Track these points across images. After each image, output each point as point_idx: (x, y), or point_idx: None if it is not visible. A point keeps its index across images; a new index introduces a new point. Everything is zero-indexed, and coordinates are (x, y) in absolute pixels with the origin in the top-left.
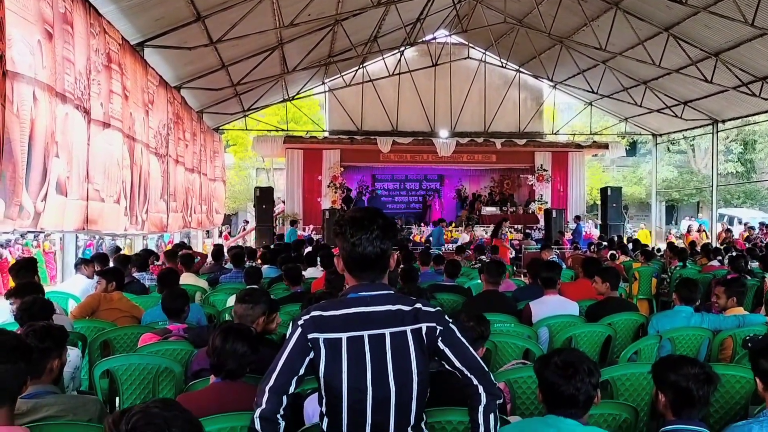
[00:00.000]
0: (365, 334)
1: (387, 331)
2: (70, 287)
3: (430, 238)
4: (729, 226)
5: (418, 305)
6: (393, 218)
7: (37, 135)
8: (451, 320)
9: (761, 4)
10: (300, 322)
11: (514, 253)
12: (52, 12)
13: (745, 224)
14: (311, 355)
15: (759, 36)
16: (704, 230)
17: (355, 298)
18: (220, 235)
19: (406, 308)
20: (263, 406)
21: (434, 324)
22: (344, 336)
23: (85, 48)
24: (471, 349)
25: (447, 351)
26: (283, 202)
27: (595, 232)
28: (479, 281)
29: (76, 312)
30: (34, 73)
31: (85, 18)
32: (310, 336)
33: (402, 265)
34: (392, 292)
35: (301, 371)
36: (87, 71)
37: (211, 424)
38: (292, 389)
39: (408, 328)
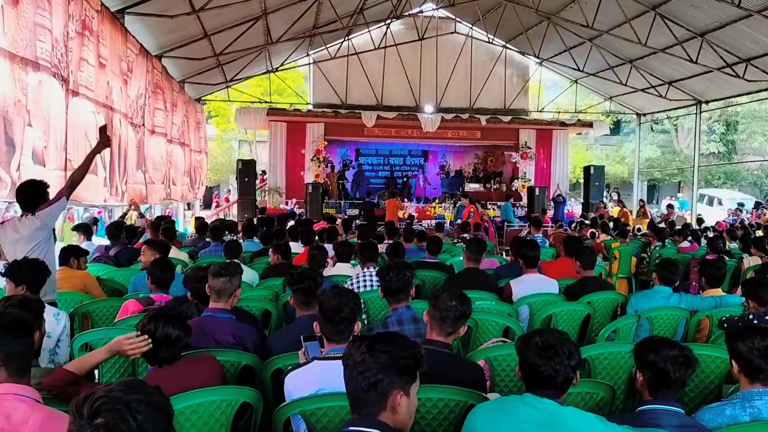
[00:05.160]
0: None
1: None
2: None
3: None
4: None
5: None
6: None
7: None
8: None
9: None
10: None
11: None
12: None
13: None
14: None
15: (745, 17)
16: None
17: None
18: (208, 207)
19: None
20: None
21: None
22: None
23: (63, 15)
24: None
25: None
26: (264, 173)
27: (578, 210)
28: (461, 258)
29: None
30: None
31: None
32: None
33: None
34: None
35: None
36: (65, 38)
37: None
38: None
39: None
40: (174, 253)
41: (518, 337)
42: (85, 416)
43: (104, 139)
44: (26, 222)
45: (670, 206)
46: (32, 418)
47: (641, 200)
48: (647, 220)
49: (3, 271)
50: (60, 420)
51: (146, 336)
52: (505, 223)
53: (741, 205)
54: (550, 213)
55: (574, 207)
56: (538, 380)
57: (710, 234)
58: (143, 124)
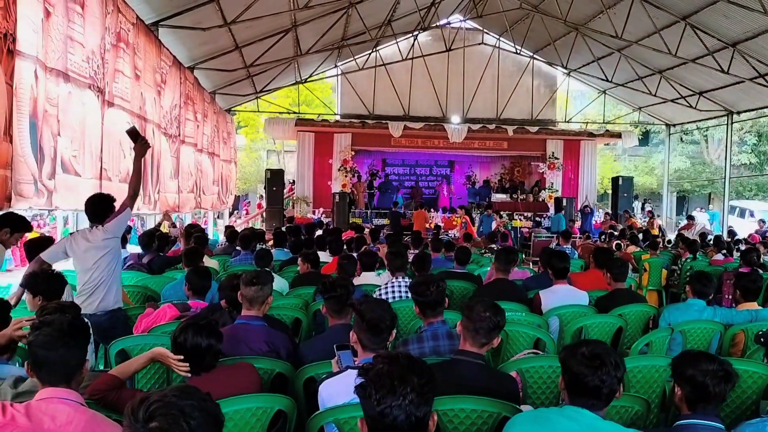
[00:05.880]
0: None
1: None
2: None
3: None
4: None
5: None
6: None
7: (38, 113)
8: None
9: None
10: None
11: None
12: None
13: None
14: None
15: None
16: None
17: None
18: (231, 215)
19: None
20: None
21: None
22: None
23: (100, 27)
24: None
25: None
26: (293, 183)
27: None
28: (489, 269)
29: None
30: (36, 52)
31: None
32: None
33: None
34: None
35: None
36: (101, 51)
37: None
38: None
39: None
40: (204, 260)
41: (563, 347)
42: (141, 420)
43: (141, 141)
44: (96, 233)
45: (690, 217)
46: (76, 419)
47: (649, 211)
48: (654, 231)
49: (22, 282)
50: (103, 423)
51: (188, 365)
52: (533, 234)
53: None
54: (578, 224)
55: (602, 218)
56: (583, 391)
57: (742, 246)
58: (178, 135)
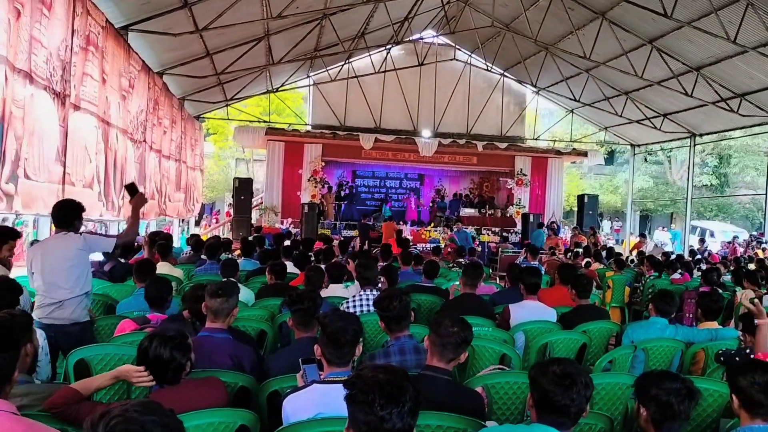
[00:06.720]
0: None
1: None
2: None
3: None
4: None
5: None
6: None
7: (5, 115)
8: None
9: (744, 22)
10: None
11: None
12: None
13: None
14: None
15: (740, 53)
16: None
17: None
18: (197, 224)
19: None
20: None
21: None
22: None
23: (63, 29)
24: None
25: None
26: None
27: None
28: (457, 283)
29: None
30: (6, 52)
31: None
32: None
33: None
34: None
35: None
36: (63, 53)
37: None
38: None
39: None
40: (168, 269)
41: (533, 365)
42: None
43: (138, 196)
44: (72, 239)
45: (642, 235)
46: (12, 430)
47: (591, 227)
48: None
49: None
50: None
51: (150, 376)
52: (500, 249)
53: (740, 237)
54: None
55: (567, 235)
56: (552, 409)
57: (703, 266)
58: (144, 140)
